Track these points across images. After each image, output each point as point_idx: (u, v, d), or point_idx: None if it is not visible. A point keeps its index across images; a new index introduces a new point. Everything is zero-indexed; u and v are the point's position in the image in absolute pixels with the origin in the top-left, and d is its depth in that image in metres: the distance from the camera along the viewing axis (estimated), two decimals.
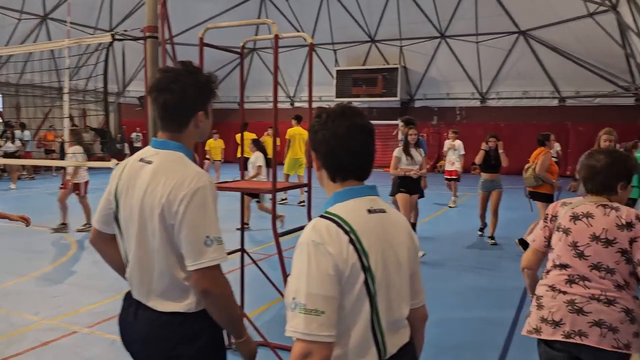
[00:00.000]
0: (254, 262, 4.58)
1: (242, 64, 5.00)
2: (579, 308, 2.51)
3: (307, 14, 23.36)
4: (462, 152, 12.91)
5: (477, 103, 22.96)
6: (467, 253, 8.33)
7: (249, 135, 14.86)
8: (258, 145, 10.21)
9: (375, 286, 1.64)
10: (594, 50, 19.10)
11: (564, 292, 2.58)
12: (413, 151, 7.61)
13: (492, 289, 6.40)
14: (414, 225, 7.82)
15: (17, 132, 18.48)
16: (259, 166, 9.73)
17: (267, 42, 24.68)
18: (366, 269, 1.62)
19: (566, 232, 2.62)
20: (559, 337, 2.55)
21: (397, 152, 7.64)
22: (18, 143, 17.87)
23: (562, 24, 19.09)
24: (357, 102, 24.53)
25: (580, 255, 2.55)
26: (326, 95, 24.99)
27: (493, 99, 22.68)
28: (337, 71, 24.04)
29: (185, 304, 2.04)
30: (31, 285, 6.44)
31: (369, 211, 1.73)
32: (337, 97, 24.16)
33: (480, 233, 9.35)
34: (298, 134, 13.30)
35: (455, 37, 21.89)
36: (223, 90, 27.65)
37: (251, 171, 9.74)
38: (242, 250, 4.48)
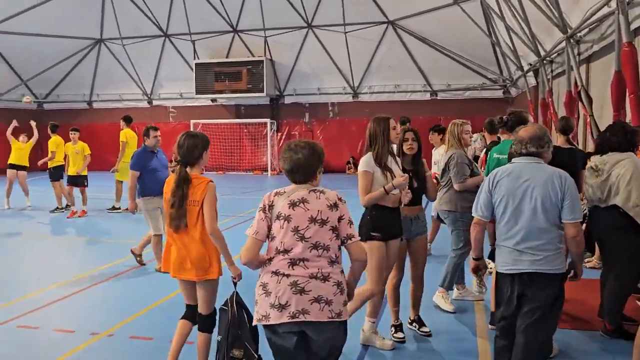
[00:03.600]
0: None
1: None
2: (301, 288, 2.76)
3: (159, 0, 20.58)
4: None
5: (350, 98, 21.59)
6: None
7: (56, 141, 12.26)
8: None
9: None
10: (462, 41, 18.36)
11: (287, 275, 2.79)
12: (393, 163, 4.35)
13: None
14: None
15: None
16: None
17: (115, 31, 21.54)
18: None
19: (287, 219, 2.83)
20: (285, 320, 2.75)
21: (366, 163, 4.24)
22: None
23: (429, 13, 18.13)
24: (222, 98, 22.23)
25: (302, 238, 2.81)
26: (187, 92, 22.40)
27: (365, 93, 21.44)
28: (197, 64, 21.50)
29: None
30: None
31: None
32: (197, 93, 21.67)
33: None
34: (133, 136, 12.19)
35: (322, 27, 20.29)
36: (67, 87, 24.05)
37: None
38: None
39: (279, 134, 22.39)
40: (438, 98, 20.61)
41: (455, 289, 5.63)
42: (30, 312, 5.29)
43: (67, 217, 11.39)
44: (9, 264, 7.52)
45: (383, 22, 19.62)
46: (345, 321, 2.86)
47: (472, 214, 3.58)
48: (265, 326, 2.82)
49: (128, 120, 12.22)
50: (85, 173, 11.71)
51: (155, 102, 23.52)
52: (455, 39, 18.51)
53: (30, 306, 5.46)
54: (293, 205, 2.83)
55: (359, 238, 2.92)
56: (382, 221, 4.21)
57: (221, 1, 20.03)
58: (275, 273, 2.79)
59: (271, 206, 2.87)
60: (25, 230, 10.26)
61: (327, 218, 2.82)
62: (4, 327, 4.92)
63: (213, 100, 22.53)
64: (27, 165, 12.93)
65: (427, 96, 20.76)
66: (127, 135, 11.98)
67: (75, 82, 23.64)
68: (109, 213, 11.83)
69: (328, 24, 19.98)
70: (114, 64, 22.83)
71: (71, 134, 11.79)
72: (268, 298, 2.78)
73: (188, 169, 3.66)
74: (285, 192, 2.90)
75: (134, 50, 22.10)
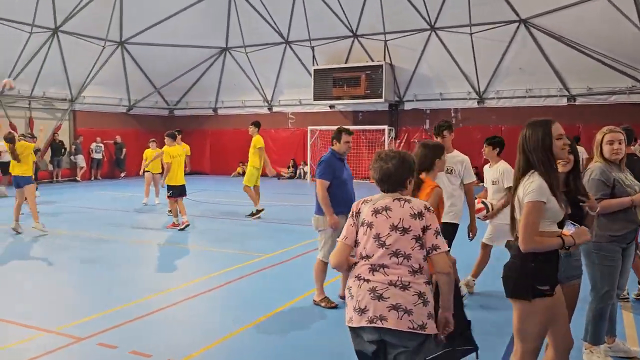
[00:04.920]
0: None
1: None
2: (379, 294, 2.77)
3: (281, 7, 20.77)
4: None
5: (474, 104, 20.14)
6: None
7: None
8: None
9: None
10: (606, 37, 16.27)
11: (368, 281, 2.83)
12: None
13: None
14: None
15: None
16: None
17: (239, 40, 22.13)
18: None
19: (370, 225, 2.90)
20: (364, 324, 2.77)
21: (539, 189, 2.97)
22: None
23: (569, 9, 16.31)
24: (340, 104, 21.85)
25: (383, 245, 2.84)
26: (305, 98, 22.35)
27: (492, 98, 19.85)
28: (315, 70, 21.33)
29: None
30: None
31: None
32: (315, 99, 21.49)
33: None
34: (262, 143, 11.85)
35: (446, 29, 19.14)
36: (195, 94, 25.15)
37: None
38: None
39: (397, 141, 21.51)
40: (576, 103, 18.48)
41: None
42: (114, 328, 5.02)
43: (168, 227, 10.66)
44: (103, 272, 7.33)
45: (514, 21, 18.03)
46: (432, 335, 2.77)
47: None
48: (350, 328, 2.88)
49: (258, 125, 11.85)
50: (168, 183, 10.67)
51: (275, 109, 23.79)
52: (599, 36, 16.45)
53: (116, 321, 5.20)
54: (376, 212, 2.89)
55: (447, 249, 2.83)
56: (550, 268, 3.04)
57: (341, 6, 19.71)
58: (358, 278, 2.87)
59: (358, 213, 2.97)
60: (130, 234, 10.19)
61: (410, 227, 2.81)
62: (84, 343, 4.68)
63: (331, 106, 22.25)
64: (160, 170, 13.33)
65: (564, 101, 18.70)
66: (261, 142, 11.64)
67: (203, 89, 24.69)
68: (247, 219, 11.57)
69: (452, 25, 18.82)
70: (237, 72, 23.48)
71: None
72: (351, 301, 2.86)
73: (423, 175, 4.11)
74: (372, 200, 2.98)
75: (256, 58, 22.53)
